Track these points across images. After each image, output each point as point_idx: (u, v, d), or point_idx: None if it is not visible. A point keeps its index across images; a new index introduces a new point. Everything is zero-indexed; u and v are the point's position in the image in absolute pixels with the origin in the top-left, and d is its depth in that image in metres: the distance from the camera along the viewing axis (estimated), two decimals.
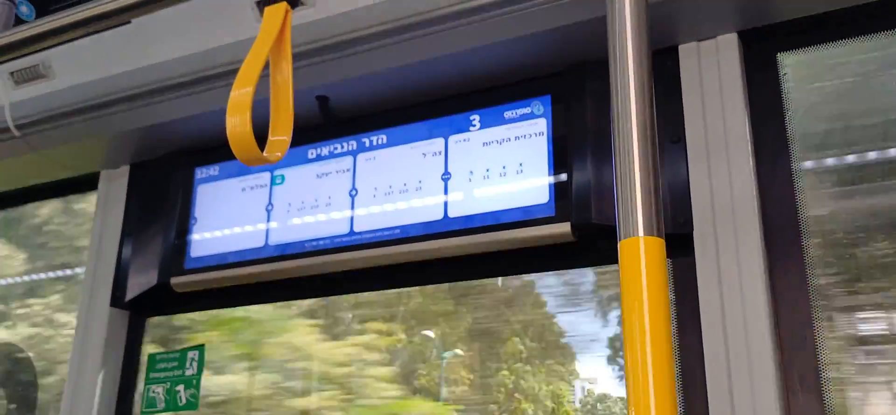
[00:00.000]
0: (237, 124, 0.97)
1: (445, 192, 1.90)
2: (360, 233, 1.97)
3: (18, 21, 2.10)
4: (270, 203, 2.12)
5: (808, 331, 1.52)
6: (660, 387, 0.65)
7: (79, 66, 2.12)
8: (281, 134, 1.07)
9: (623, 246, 0.73)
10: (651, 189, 0.74)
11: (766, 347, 1.50)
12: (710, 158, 1.64)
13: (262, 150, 1.15)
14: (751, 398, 1.50)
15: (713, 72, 1.69)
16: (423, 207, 1.92)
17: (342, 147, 2.07)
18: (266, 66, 1.31)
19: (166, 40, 1.99)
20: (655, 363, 0.68)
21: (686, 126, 1.69)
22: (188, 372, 2.19)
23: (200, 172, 2.26)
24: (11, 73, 2.20)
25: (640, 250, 0.69)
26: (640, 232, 0.72)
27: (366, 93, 2.00)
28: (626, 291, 0.70)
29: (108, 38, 2.05)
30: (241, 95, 0.99)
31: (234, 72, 1.93)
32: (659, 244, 0.72)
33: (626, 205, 0.74)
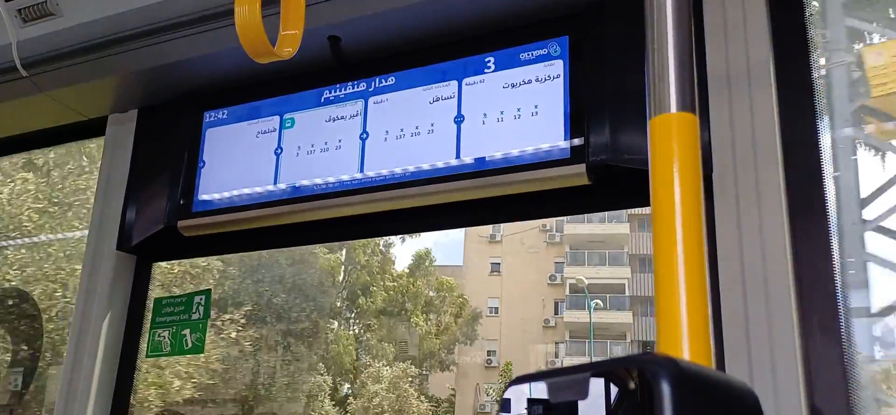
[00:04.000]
0: (246, 13, 0.93)
1: (458, 135, 1.87)
2: (370, 176, 1.94)
3: None
4: (279, 147, 2.09)
5: (829, 274, 1.48)
6: (691, 269, 0.62)
7: (87, 4, 2.09)
8: (292, 28, 1.03)
9: (654, 124, 0.69)
10: (685, 62, 0.70)
11: (785, 291, 1.47)
12: (732, 100, 1.60)
13: None
14: (768, 343, 1.46)
15: (737, 10, 1.64)
16: (435, 150, 1.88)
17: (353, 89, 2.03)
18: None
19: None
20: (687, 250, 0.65)
21: (708, 65, 1.64)
22: (194, 316, 2.17)
23: (209, 116, 2.23)
24: (19, 11, 2.16)
25: (672, 127, 0.66)
26: (673, 108, 0.68)
27: (378, 33, 1.96)
28: (658, 171, 0.66)
29: None
30: None
31: None
32: (692, 121, 0.68)
33: (658, 79, 0.70)
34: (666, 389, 0.48)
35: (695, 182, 0.65)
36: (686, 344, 0.59)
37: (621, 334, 25.63)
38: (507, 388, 0.62)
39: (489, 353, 24.33)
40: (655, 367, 0.49)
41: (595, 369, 0.54)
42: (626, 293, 26.11)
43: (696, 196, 0.65)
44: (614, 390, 0.54)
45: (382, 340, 20.69)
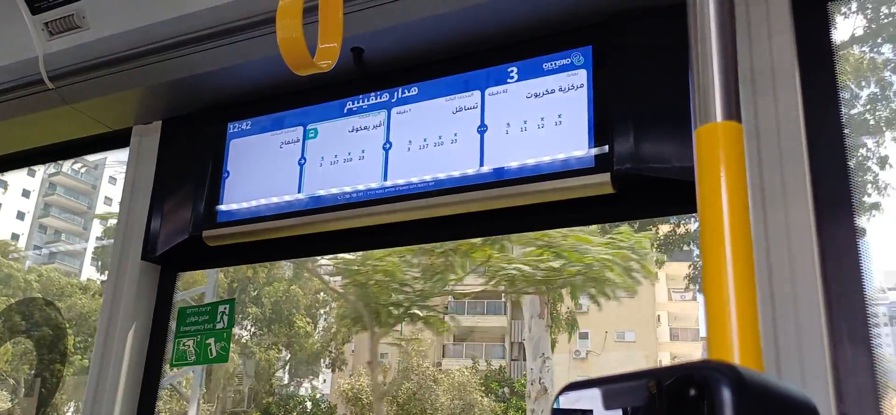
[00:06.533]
0: (287, 28, 0.95)
1: (481, 144, 1.88)
2: (394, 186, 1.95)
3: None
4: (303, 157, 2.11)
5: (857, 280, 1.48)
6: (740, 278, 0.62)
7: (113, 17, 2.12)
8: (330, 40, 1.05)
9: (700, 134, 0.69)
10: (729, 69, 0.70)
11: (814, 297, 1.47)
12: (757, 102, 1.60)
13: None
14: (797, 350, 1.46)
15: (761, 18, 1.64)
16: (458, 160, 1.89)
17: (376, 100, 2.05)
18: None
19: None
20: (736, 259, 0.65)
21: None
22: (219, 326, 2.18)
23: (233, 127, 2.25)
24: (46, 24, 2.20)
25: (719, 136, 0.66)
26: (718, 117, 0.68)
27: (401, 44, 1.98)
28: (704, 181, 0.66)
29: None
30: (291, 1, 0.97)
31: (268, 22, 1.92)
32: (737, 130, 0.68)
33: (703, 88, 0.70)
34: (727, 395, 0.49)
35: (742, 191, 0.66)
36: (737, 353, 0.60)
37: (500, 336, 27.87)
38: (559, 395, 0.62)
39: (382, 355, 26.17)
40: (716, 373, 0.50)
41: (651, 376, 0.54)
42: (503, 299, 27.77)
43: (743, 205, 0.66)
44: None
45: (270, 347, 21.83)
